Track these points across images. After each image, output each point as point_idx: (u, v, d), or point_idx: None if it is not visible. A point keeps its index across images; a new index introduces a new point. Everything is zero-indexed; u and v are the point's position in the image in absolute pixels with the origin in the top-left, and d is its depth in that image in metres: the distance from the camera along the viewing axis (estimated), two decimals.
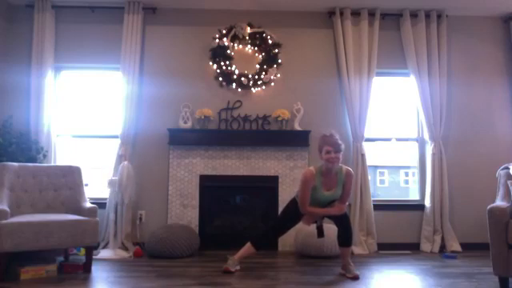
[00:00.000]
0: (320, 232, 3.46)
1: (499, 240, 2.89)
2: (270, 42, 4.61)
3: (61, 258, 3.72)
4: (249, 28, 4.60)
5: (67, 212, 3.64)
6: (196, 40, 4.67)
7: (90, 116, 4.73)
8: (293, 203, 3.49)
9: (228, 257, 3.47)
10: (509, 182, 3.16)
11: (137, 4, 4.51)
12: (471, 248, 4.44)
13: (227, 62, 4.57)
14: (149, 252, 4.05)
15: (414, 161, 4.85)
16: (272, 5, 4.63)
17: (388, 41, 4.73)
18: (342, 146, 3.32)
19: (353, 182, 3.56)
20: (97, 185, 4.50)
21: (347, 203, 3.46)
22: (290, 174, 4.52)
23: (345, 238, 3.38)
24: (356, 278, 3.26)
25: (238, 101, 4.60)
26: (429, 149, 4.57)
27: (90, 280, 3.17)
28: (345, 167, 3.40)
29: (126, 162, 4.19)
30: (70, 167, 3.86)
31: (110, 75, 4.71)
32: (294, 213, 3.45)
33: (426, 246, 4.44)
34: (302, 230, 4.12)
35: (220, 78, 4.60)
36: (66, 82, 4.73)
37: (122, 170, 4.11)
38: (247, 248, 3.47)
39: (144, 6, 4.56)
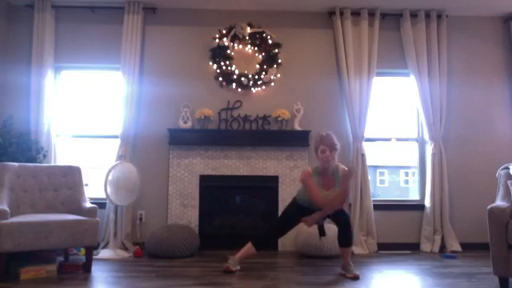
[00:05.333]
0: (321, 231, 3.46)
1: (499, 240, 2.89)
2: (270, 41, 4.61)
3: (61, 258, 3.72)
4: (249, 28, 4.60)
5: (67, 212, 3.64)
6: (196, 40, 4.67)
7: (90, 116, 4.73)
8: (293, 204, 3.49)
9: (229, 256, 3.47)
10: (509, 181, 3.16)
11: (137, 4, 4.51)
12: (471, 248, 4.44)
13: (227, 62, 4.57)
14: (149, 252, 4.05)
15: (414, 161, 4.85)
16: (272, 5, 4.63)
17: (388, 41, 4.73)
18: (338, 146, 3.35)
19: (351, 180, 3.51)
20: (97, 185, 4.49)
21: (348, 203, 3.46)
22: (290, 174, 4.52)
23: (345, 238, 3.38)
24: (356, 277, 3.26)
25: (238, 101, 4.60)
26: (429, 149, 4.57)
27: (89, 280, 3.16)
28: (341, 166, 3.41)
29: (118, 163, 4.15)
30: (70, 167, 3.86)
31: (110, 75, 4.71)
32: (294, 214, 3.46)
33: (425, 246, 4.44)
34: (303, 230, 4.12)
35: (220, 78, 4.60)
36: (65, 82, 4.73)
37: (114, 169, 4.08)
38: (248, 248, 3.47)
39: (144, 6, 4.56)
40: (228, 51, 4.58)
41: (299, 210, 3.45)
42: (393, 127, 4.88)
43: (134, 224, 4.42)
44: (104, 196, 4.19)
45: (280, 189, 4.50)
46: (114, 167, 4.09)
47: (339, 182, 3.37)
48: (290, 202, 3.58)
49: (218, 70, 4.59)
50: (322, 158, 3.32)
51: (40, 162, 4.17)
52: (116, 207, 4.20)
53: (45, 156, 4.26)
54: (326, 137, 3.34)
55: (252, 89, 4.60)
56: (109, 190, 4.02)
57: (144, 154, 4.53)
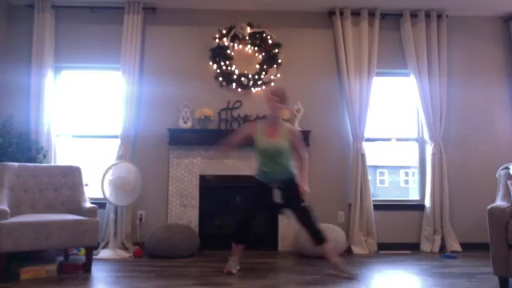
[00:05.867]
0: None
1: (499, 240, 2.89)
2: (270, 41, 4.61)
3: (61, 258, 3.72)
4: (249, 28, 4.60)
5: (67, 212, 3.64)
6: (196, 40, 4.67)
7: (90, 116, 4.74)
8: (256, 188, 3.43)
9: (229, 257, 3.46)
10: (509, 181, 3.16)
11: (137, 4, 4.51)
12: (471, 248, 4.44)
13: (227, 62, 4.57)
14: (149, 252, 4.05)
15: (414, 161, 4.85)
16: (272, 5, 4.63)
17: (388, 41, 4.73)
18: (287, 100, 3.42)
19: (299, 137, 3.43)
20: (97, 185, 4.49)
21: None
22: None
23: (315, 235, 3.33)
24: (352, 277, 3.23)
25: (238, 101, 4.60)
26: (429, 149, 4.57)
27: (89, 280, 3.17)
28: (289, 124, 3.50)
29: (114, 163, 4.15)
30: (70, 167, 3.86)
31: (110, 75, 4.71)
32: (258, 196, 3.39)
33: (426, 246, 4.44)
34: (302, 230, 4.12)
35: (220, 78, 4.60)
36: (65, 82, 4.73)
37: (111, 170, 4.08)
38: (234, 248, 3.43)
39: (144, 6, 4.56)
40: (228, 51, 4.58)
41: (261, 190, 3.37)
42: (393, 127, 4.88)
43: (134, 224, 4.42)
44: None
45: None
46: (111, 167, 4.09)
47: (285, 137, 3.35)
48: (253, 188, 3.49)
49: (218, 70, 4.59)
50: (269, 106, 3.37)
51: (40, 162, 4.17)
52: (116, 207, 4.20)
53: (45, 156, 4.27)
54: (277, 88, 3.47)
55: (252, 89, 4.60)
56: (107, 189, 4.02)
57: (144, 154, 4.53)
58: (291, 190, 3.33)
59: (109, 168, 4.07)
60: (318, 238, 3.33)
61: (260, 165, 3.41)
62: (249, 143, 3.42)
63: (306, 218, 3.33)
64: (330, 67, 4.70)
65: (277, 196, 3.35)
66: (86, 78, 4.79)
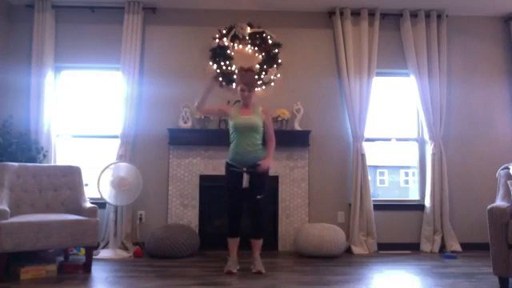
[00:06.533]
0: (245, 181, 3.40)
1: (499, 240, 2.89)
2: (270, 42, 4.61)
3: (61, 258, 3.72)
4: (249, 28, 4.60)
5: (67, 212, 3.65)
6: (196, 40, 4.67)
7: (90, 116, 4.74)
8: (227, 174, 3.45)
9: (228, 258, 3.47)
10: (509, 181, 3.16)
11: (137, 4, 4.51)
12: (471, 248, 4.45)
13: (227, 62, 4.57)
14: (149, 252, 4.05)
15: (414, 161, 4.85)
16: (272, 5, 4.63)
17: (388, 41, 4.73)
18: (257, 84, 3.51)
19: (270, 119, 3.58)
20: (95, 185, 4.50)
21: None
22: (290, 174, 4.52)
23: (254, 228, 3.42)
24: (259, 273, 3.33)
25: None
26: (429, 149, 4.57)
27: (89, 280, 3.16)
28: (262, 107, 3.56)
29: (111, 163, 4.15)
30: (70, 167, 3.86)
31: (110, 75, 4.71)
32: (232, 184, 3.38)
33: (426, 246, 4.44)
34: (302, 230, 4.12)
35: (220, 78, 4.60)
36: (65, 82, 4.74)
37: (106, 171, 4.08)
38: (230, 243, 3.47)
39: (144, 5, 4.56)
40: (228, 51, 4.58)
41: (234, 176, 3.37)
42: (393, 127, 4.88)
43: (134, 224, 4.42)
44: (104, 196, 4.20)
45: (280, 189, 4.50)
46: (108, 167, 4.08)
47: (258, 115, 3.47)
48: (225, 175, 3.51)
49: (218, 70, 4.59)
50: (241, 96, 3.48)
51: (40, 162, 4.17)
52: (116, 207, 4.20)
53: (45, 156, 4.27)
54: (245, 75, 3.47)
55: None
56: (103, 189, 4.02)
57: (144, 154, 4.53)
58: (258, 175, 3.36)
59: (105, 168, 4.07)
60: (261, 232, 3.45)
61: (233, 146, 3.43)
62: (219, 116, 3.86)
63: (259, 209, 3.41)
64: (329, 67, 4.70)
65: (245, 181, 3.35)
66: (86, 77, 4.79)
